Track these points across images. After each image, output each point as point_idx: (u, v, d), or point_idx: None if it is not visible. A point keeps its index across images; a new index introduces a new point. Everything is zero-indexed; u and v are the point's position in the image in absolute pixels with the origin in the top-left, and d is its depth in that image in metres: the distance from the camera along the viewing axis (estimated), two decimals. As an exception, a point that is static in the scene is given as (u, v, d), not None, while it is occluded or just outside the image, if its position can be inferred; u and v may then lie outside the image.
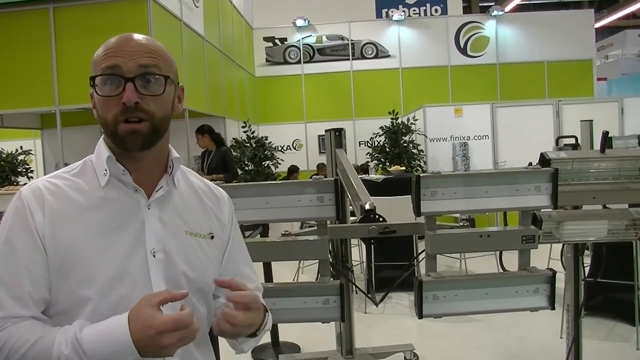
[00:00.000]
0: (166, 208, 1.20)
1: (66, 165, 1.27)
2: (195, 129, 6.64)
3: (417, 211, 1.97)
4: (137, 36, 1.16)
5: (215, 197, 1.34)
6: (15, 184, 7.39)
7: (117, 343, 0.99)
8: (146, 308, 1.00)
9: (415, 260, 3.59)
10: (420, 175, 1.96)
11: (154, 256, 1.14)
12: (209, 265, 1.25)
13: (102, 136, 1.20)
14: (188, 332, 1.02)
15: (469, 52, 11.83)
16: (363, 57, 11.92)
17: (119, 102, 1.09)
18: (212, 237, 1.27)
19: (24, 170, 7.93)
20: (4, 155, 7.90)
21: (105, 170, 1.15)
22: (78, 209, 1.13)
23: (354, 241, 4.67)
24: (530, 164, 2.27)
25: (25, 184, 7.36)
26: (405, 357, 3.44)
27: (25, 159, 8.10)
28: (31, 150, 8.44)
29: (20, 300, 1.06)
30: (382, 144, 9.33)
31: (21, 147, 8.09)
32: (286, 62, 12.03)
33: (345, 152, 2.69)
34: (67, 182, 1.16)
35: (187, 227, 1.22)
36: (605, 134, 2.28)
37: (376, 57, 11.92)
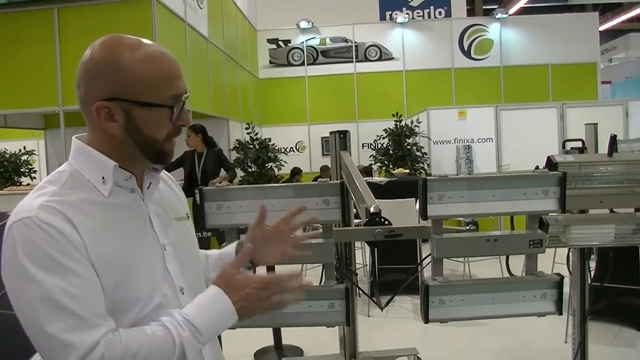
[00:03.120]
0: (156, 201, 1.25)
1: None
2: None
3: (424, 215, 1.95)
4: (171, 54, 1.18)
5: (174, 182, 1.41)
6: (18, 184, 7.40)
7: (219, 310, 1.10)
8: (235, 275, 1.14)
9: (420, 265, 3.57)
10: (427, 178, 1.94)
11: (166, 250, 1.20)
12: (197, 244, 1.37)
13: (81, 143, 1.16)
14: (277, 289, 1.15)
15: (472, 55, 11.81)
16: (367, 60, 11.91)
17: (170, 122, 1.15)
18: (188, 217, 1.36)
19: (27, 170, 7.94)
20: (7, 156, 7.91)
21: (103, 178, 1.13)
22: (100, 222, 1.09)
23: (357, 244, 4.65)
24: (537, 167, 2.25)
25: (28, 184, 7.33)
26: (408, 361, 3.42)
27: (29, 159, 8.11)
28: (34, 150, 8.46)
29: (102, 316, 1.04)
30: (385, 146, 9.32)
31: (24, 148, 8.10)
32: (290, 64, 12.02)
33: (350, 155, 2.67)
34: (71, 197, 1.09)
35: (174, 214, 1.29)
36: (614, 138, 2.26)
37: (380, 59, 11.91)
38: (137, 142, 1.13)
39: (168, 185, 1.35)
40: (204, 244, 6.40)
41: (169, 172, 1.40)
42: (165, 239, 1.20)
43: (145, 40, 1.15)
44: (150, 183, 1.23)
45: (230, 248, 1.48)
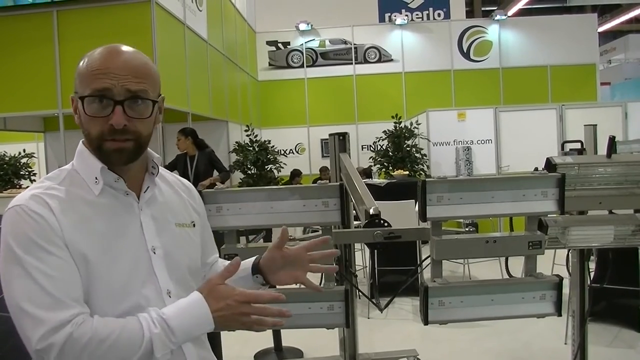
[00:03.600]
0: (155, 206, 1.28)
1: None
2: (198, 132, 6.62)
3: (423, 216, 1.96)
4: (125, 54, 1.19)
5: (187, 189, 1.43)
6: (18, 187, 7.39)
7: (197, 315, 1.12)
8: (220, 285, 1.16)
9: (419, 266, 3.57)
10: (427, 180, 1.94)
11: (155, 253, 1.22)
12: (198, 251, 1.38)
13: (81, 145, 1.24)
14: (267, 310, 1.17)
15: (472, 57, 11.82)
16: (366, 61, 11.92)
17: (106, 121, 1.15)
18: (194, 225, 1.37)
19: (27, 173, 7.94)
20: (6, 158, 7.90)
21: (96, 178, 1.20)
22: (83, 218, 1.16)
23: (357, 246, 4.65)
24: (536, 169, 2.26)
25: (27, 187, 7.39)
26: (408, 362, 3.41)
27: (28, 162, 8.10)
28: (34, 153, 8.45)
29: (76, 300, 1.10)
30: (385, 148, 9.32)
31: (24, 150, 8.09)
32: (289, 66, 12.03)
33: (349, 157, 2.68)
34: (62, 192, 1.17)
35: (175, 219, 1.31)
36: (612, 139, 2.26)
37: (379, 61, 11.91)
38: (84, 136, 1.22)
39: (175, 190, 1.38)
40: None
41: None
42: (156, 242, 1.23)
43: (122, 47, 1.20)
44: (148, 187, 1.27)
45: (248, 262, 1.45)
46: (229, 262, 1.25)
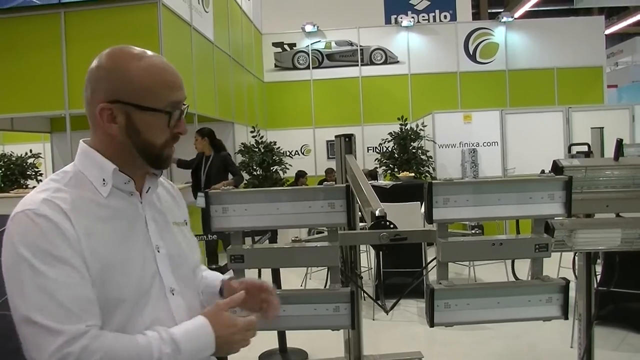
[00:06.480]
0: (154, 205, 1.31)
1: None
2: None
3: (429, 218, 1.95)
4: (173, 67, 1.26)
5: (174, 189, 1.47)
6: (24, 187, 7.43)
7: (203, 341, 1.17)
8: (224, 313, 1.22)
9: (425, 268, 3.56)
10: (433, 182, 1.94)
11: (159, 252, 1.25)
12: (194, 248, 1.44)
13: (86, 146, 1.23)
14: (253, 333, 1.26)
15: (478, 59, 11.80)
16: (372, 63, 11.91)
17: (167, 129, 1.23)
18: (186, 223, 1.43)
19: (33, 173, 7.98)
20: (13, 159, 7.94)
21: (104, 180, 1.20)
22: (96, 220, 1.16)
23: (362, 247, 4.65)
24: (543, 171, 2.24)
25: (34, 187, 7.41)
26: (413, 365, 3.41)
27: (35, 162, 8.14)
28: (40, 153, 8.50)
29: (89, 310, 1.09)
30: (391, 150, 9.31)
31: (31, 151, 8.14)
32: (295, 68, 12.04)
33: (355, 158, 2.67)
34: (72, 194, 1.16)
35: (172, 218, 1.36)
36: (620, 142, 2.25)
37: (385, 63, 11.91)
38: (135, 144, 1.21)
39: (167, 190, 1.42)
40: (210, 247, 6.44)
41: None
42: (159, 242, 1.26)
43: (150, 52, 1.23)
44: (150, 187, 1.30)
45: (217, 282, 1.51)
46: (237, 293, 1.29)
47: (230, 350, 1.24)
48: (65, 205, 1.12)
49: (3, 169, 7.69)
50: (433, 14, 12.75)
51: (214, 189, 1.95)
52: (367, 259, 5.93)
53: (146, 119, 1.19)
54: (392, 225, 1.94)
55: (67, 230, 1.09)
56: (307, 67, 12.00)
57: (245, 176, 8.73)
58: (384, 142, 9.55)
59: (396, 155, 9.11)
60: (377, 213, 1.92)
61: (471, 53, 11.81)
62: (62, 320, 1.04)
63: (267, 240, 4.57)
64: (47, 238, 1.07)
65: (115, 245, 1.16)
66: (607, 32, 14.40)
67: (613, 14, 17.86)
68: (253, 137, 8.89)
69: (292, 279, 5.66)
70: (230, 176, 6.37)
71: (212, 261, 6.36)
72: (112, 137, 1.20)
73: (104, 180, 1.20)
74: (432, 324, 2.00)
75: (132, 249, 1.20)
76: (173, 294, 1.25)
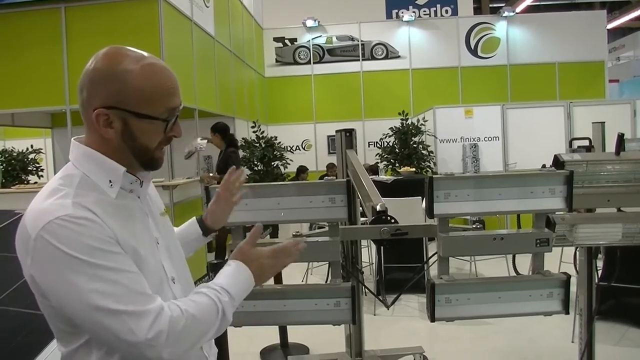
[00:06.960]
0: (147, 199, 1.35)
1: None
2: (204, 128, 6.65)
3: (430, 213, 1.95)
4: (170, 69, 1.26)
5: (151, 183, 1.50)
6: (25, 182, 7.43)
7: (243, 278, 1.29)
8: (249, 249, 1.34)
9: (426, 263, 3.56)
10: (434, 177, 1.94)
11: (158, 243, 1.30)
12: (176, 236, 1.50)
13: (87, 148, 1.22)
14: (284, 257, 1.40)
15: (479, 53, 11.77)
16: (373, 58, 11.89)
17: (163, 133, 1.24)
18: (166, 212, 1.47)
19: (35, 168, 7.97)
20: (14, 154, 7.94)
21: (110, 182, 1.21)
22: (117, 219, 1.17)
23: (363, 242, 4.65)
24: (544, 166, 2.24)
25: (35, 182, 7.37)
26: (414, 359, 3.42)
27: (36, 158, 8.13)
28: (42, 149, 8.48)
29: (150, 288, 1.17)
30: (391, 144, 9.30)
31: (32, 146, 8.13)
32: (296, 63, 12.02)
33: (356, 153, 2.67)
34: (88, 196, 1.16)
35: (158, 210, 1.40)
36: (621, 136, 2.25)
37: (386, 57, 11.88)
38: (131, 148, 1.22)
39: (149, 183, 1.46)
40: (220, 240, 6.46)
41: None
42: (157, 234, 1.31)
43: (146, 54, 1.22)
44: (143, 182, 1.31)
45: (195, 226, 1.67)
46: (253, 228, 1.41)
47: (267, 276, 1.36)
48: (92, 207, 1.14)
49: (4, 165, 7.68)
50: (434, 8, 12.71)
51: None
52: (368, 254, 5.94)
53: (143, 126, 1.19)
54: (393, 220, 1.94)
55: (102, 225, 1.12)
56: (308, 62, 11.97)
57: (246, 171, 8.73)
58: (385, 137, 9.54)
59: (397, 150, 9.10)
60: (378, 208, 1.92)
61: (472, 48, 11.77)
62: (142, 303, 1.11)
63: (268, 235, 4.58)
64: (95, 236, 1.10)
65: (137, 242, 1.19)
66: (609, 26, 14.34)
67: (615, 8, 17.80)
68: (254, 132, 8.88)
69: (293, 274, 5.66)
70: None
71: (220, 256, 6.37)
72: (107, 139, 1.20)
73: (110, 181, 1.21)
74: (433, 318, 2.01)
75: (145, 244, 1.23)
76: (174, 283, 1.30)
